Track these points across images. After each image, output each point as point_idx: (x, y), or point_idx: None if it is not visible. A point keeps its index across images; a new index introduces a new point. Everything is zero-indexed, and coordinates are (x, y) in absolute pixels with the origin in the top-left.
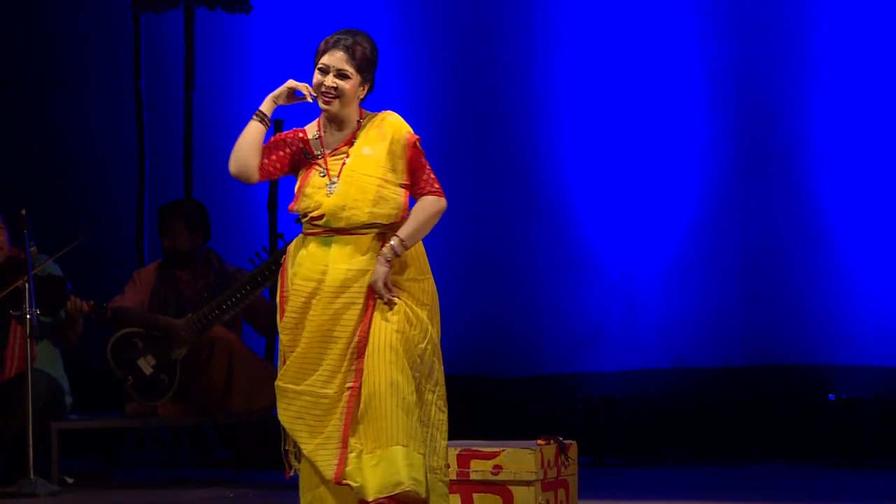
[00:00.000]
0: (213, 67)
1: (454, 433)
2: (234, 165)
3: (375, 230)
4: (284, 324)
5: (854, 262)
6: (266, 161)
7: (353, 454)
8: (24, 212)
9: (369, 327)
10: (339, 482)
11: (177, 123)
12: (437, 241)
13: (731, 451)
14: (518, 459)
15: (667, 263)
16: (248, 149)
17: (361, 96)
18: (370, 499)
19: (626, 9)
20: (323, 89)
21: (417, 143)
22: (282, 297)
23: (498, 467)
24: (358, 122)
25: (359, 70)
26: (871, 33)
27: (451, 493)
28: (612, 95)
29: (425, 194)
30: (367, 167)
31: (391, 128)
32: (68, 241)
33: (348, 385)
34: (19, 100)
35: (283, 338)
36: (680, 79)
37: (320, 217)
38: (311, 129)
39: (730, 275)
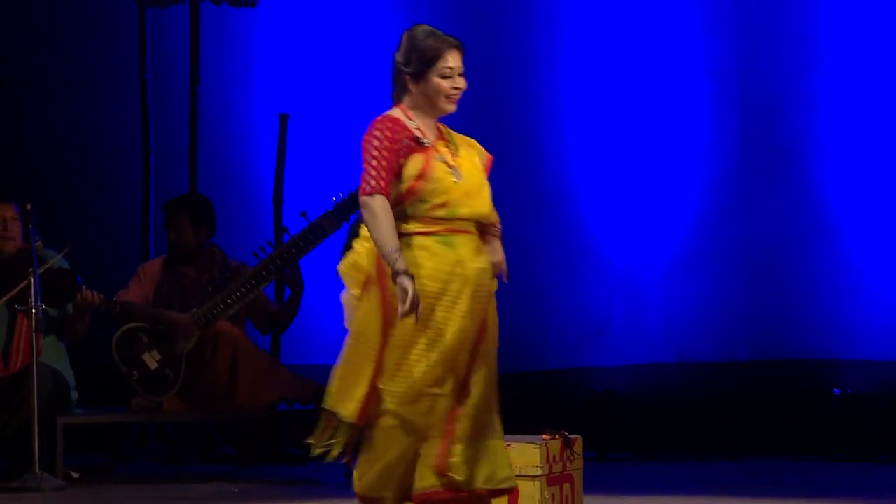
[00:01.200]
0: (218, 62)
1: None
2: None
3: (483, 234)
4: (402, 328)
5: (858, 258)
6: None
7: (458, 446)
8: (29, 207)
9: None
10: (442, 473)
11: (182, 118)
12: None
13: (736, 446)
14: (523, 454)
15: (671, 258)
16: None
17: None
18: (477, 489)
19: (630, 4)
20: (453, 94)
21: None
22: (385, 301)
23: None
24: (438, 123)
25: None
26: (874, 29)
27: None
28: (616, 91)
29: None
30: (477, 165)
31: (475, 145)
32: (69, 239)
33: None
34: (25, 95)
35: (400, 341)
36: (684, 74)
37: (445, 204)
38: (403, 116)
39: (734, 270)
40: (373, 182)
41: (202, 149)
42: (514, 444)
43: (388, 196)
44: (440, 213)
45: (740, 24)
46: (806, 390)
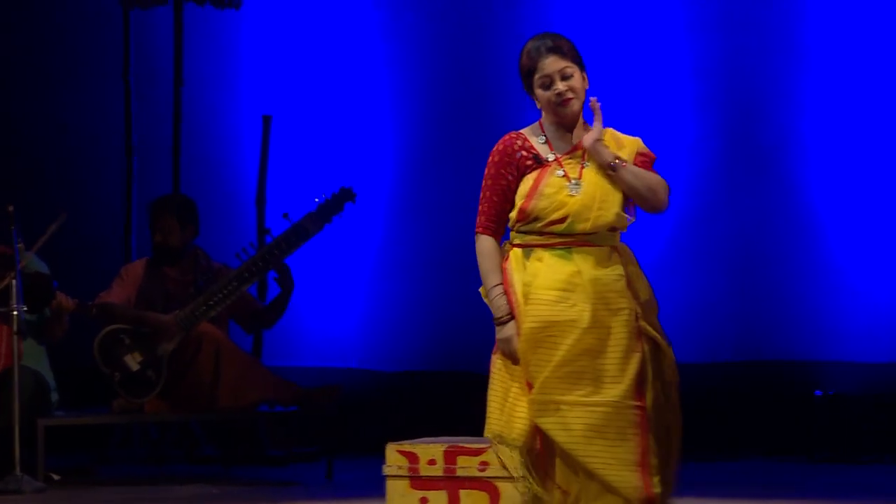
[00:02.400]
0: (202, 63)
1: (448, 430)
2: None
3: (609, 243)
4: (528, 335)
5: (842, 258)
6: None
7: (656, 478)
8: (11, 208)
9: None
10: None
11: (165, 119)
12: (425, 238)
13: (719, 447)
14: (507, 455)
15: (655, 258)
16: None
17: (586, 87)
18: None
19: (615, 3)
20: (559, 99)
21: (651, 157)
22: (514, 314)
23: (485, 464)
24: (585, 124)
25: (575, 62)
26: (859, 28)
27: (437, 489)
28: (600, 89)
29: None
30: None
31: (629, 142)
32: (51, 231)
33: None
34: (7, 95)
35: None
36: (669, 73)
37: (562, 220)
38: (532, 135)
39: (718, 270)
40: (480, 219)
41: (185, 150)
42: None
43: (493, 233)
44: (558, 228)
45: (725, 23)
46: (789, 391)
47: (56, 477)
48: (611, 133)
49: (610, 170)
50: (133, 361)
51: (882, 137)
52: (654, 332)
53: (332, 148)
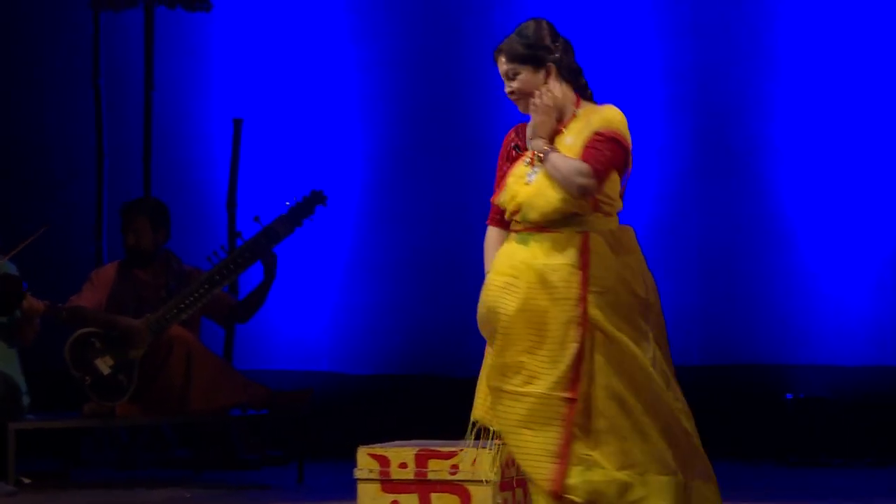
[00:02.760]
0: (173, 66)
1: (420, 434)
2: None
3: (574, 228)
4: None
5: (812, 262)
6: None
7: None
8: None
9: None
10: (557, 496)
11: (136, 122)
12: (396, 241)
13: None
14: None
15: None
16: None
17: (545, 81)
18: None
19: (585, 6)
20: (512, 97)
21: (612, 133)
22: None
23: (455, 467)
24: (574, 113)
25: (523, 62)
26: (830, 33)
27: (408, 493)
28: None
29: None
30: (569, 149)
31: (599, 118)
32: (27, 238)
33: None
34: None
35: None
36: (639, 77)
37: (516, 210)
38: (529, 126)
39: (688, 274)
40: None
41: (156, 153)
42: (467, 449)
43: (497, 223)
44: (517, 217)
45: (696, 27)
46: (759, 394)
47: (27, 481)
48: (588, 109)
49: (540, 161)
50: (104, 365)
51: (852, 141)
52: (605, 324)
53: (303, 151)
